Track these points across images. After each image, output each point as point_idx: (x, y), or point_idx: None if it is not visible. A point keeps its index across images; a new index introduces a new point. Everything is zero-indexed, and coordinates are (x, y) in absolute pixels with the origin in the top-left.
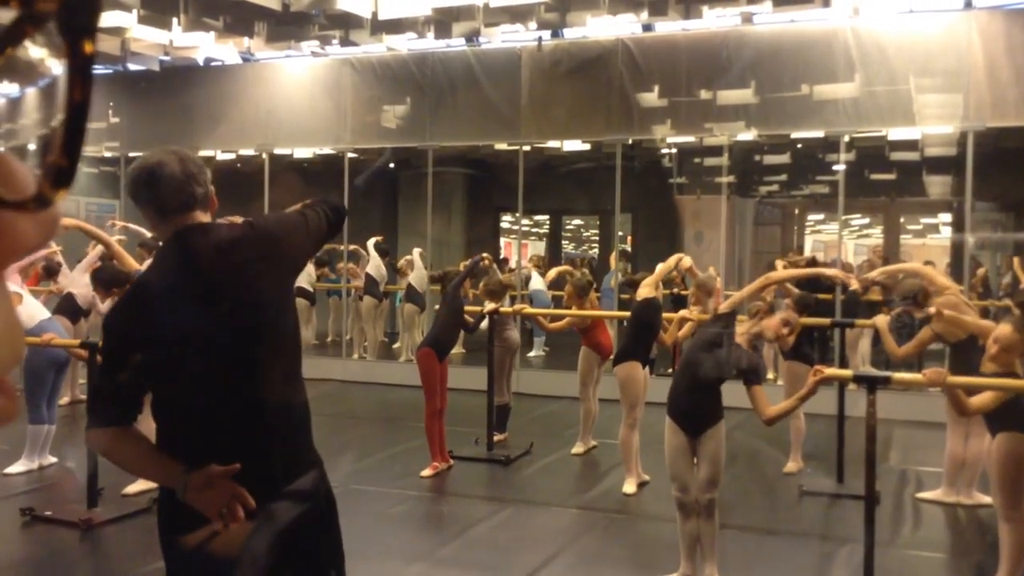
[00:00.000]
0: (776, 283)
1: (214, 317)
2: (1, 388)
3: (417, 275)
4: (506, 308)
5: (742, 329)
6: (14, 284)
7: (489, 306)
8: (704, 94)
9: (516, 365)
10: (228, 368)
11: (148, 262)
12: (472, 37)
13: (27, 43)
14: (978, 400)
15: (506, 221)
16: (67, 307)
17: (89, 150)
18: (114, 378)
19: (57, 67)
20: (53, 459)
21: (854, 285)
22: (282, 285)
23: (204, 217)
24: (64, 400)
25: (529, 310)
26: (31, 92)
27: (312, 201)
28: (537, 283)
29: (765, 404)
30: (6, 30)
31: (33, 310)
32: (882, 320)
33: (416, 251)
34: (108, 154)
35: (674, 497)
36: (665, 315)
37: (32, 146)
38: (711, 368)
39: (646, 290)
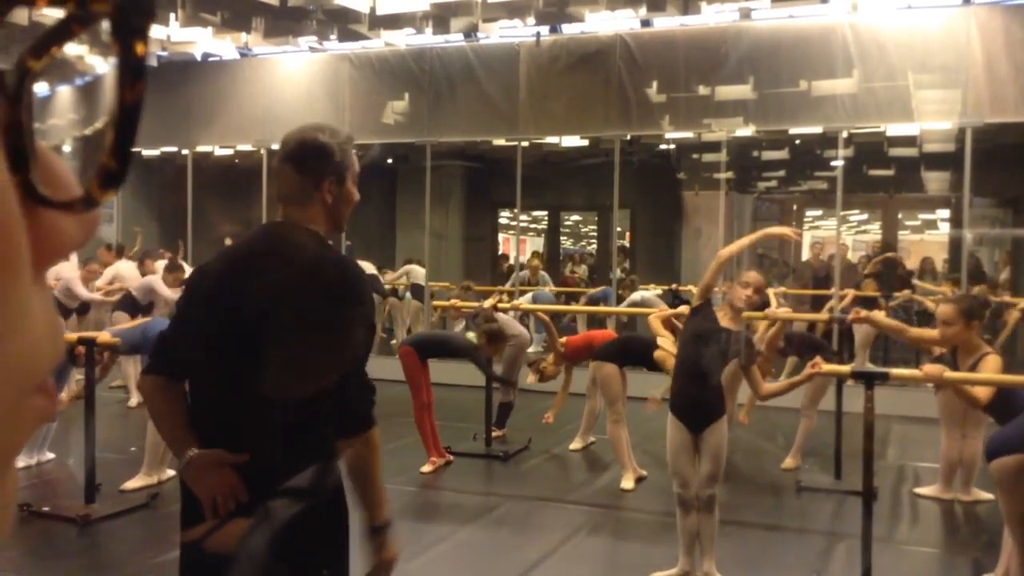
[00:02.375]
0: (728, 258)
1: (261, 317)
2: (43, 389)
3: (416, 274)
4: (504, 304)
5: (721, 313)
6: None
7: (489, 301)
8: (702, 90)
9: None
10: (244, 360)
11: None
12: (470, 32)
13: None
14: (983, 390)
15: (504, 216)
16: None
17: None
18: (178, 329)
19: (100, 65)
20: (51, 455)
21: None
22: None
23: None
24: (62, 395)
25: (526, 306)
26: (63, 91)
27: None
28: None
29: (760, 382)
30: (53, 29)
31: None
32: (880, 314)
33: (413, 266)
34: None
35: (675, 492)
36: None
37: (67, 147)
38: (710, 358)
39: (665, 343)
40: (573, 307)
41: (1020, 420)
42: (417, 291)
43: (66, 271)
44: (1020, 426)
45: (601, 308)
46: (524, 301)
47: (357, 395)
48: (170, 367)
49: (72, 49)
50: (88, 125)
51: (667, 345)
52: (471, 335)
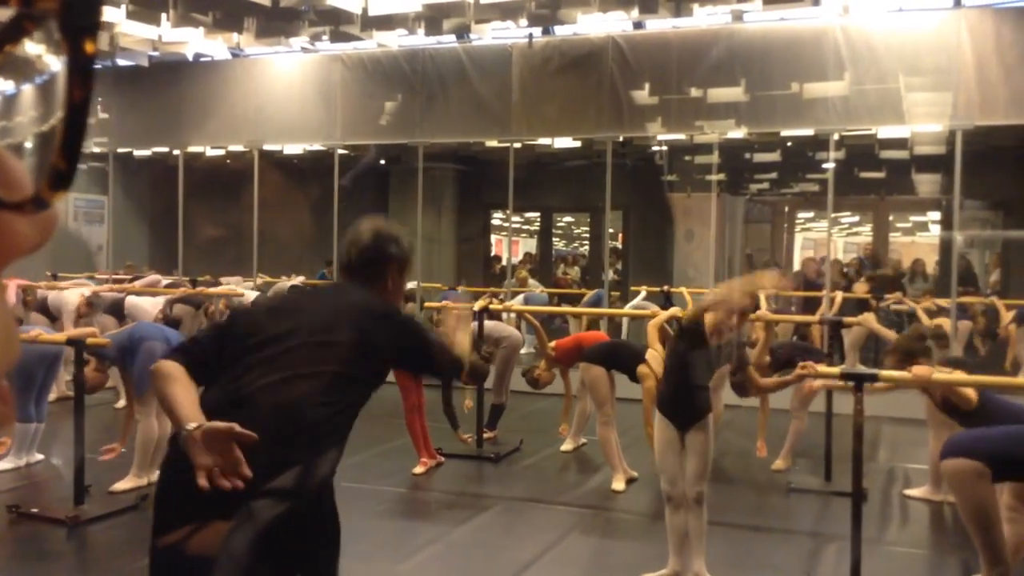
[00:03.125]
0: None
1: (284, 332)
2: None
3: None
4: (496, 305)
5: (711, 317)
6: None
7: (480, 303)
8: (694, 92)
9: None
10: (264, 375)
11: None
12: (463, 33)
13: (25, 40)
14: (972, 390)
15: (497, 218)
16: (40, 307)
17: None
18: (208, 335)
19: (55, 64)
20: (40, 456)
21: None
22: (350, 359)
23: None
24: (51, 397)
25: (517, 307)
26: (27, 89)
27: (451, 354)
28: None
29: (757, 378)
30: (5, 27)
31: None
32: (871, 316)
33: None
34: (97, 150)
35: (663, 491)
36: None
37: (29, 144)
38: (699, 368)
39: (653, 359)
40: (566, 308)
41: (982, 429)
42: (409, 294)
43: (71, 295)
44: (977, 433)
45: (595, 310)
46: (516, 302)
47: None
48: (193, 364)
49: (31, 48)
50: (46, 121)
51: (654, 363)
52: None
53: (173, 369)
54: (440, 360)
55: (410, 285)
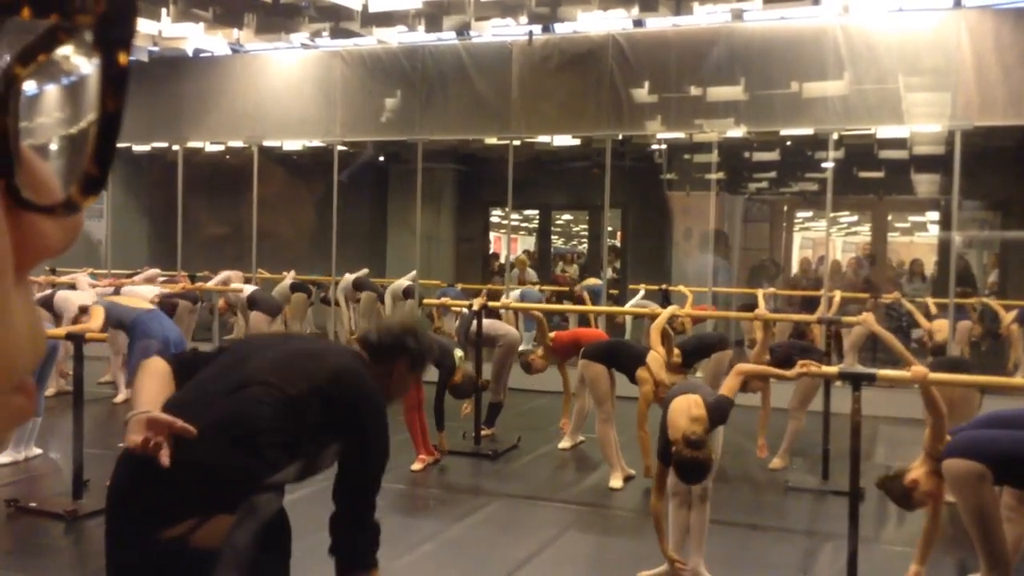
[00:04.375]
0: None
1: (251, 365)
2: (23, 388)
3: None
4: (494, 303)
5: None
6: None
7: (478, 301)
8: (694, 90)
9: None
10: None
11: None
12: (463, 31)
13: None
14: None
15: (496, 216)
16: (44, 303)
17: None
18: (207, 352)
19: (84, 66)
20: (38, 451)
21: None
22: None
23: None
24: (50, 391)
25: (515, 304)
26: (51, 89)
27: (370, 521)
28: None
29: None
30: (39, 38)
31: None
32: (871, 316)
33: (400, 282)
34: None
35: (670, 486)
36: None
37: (54, 146)
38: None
39: (654, 362)
40: (567, 306)
41: (984, 431)
42: (408, 291)
43: (78, 301)
44: (980, 434)
45: (596, 308)
46: (512, 299)
47: (356, 532)
48: (181, 366)
49: (59, 49)
50: (74, 124)
51: (655, 366)
52: (459, 353)
53: (158, 366)
54: (367, 471)
55: (408, 282)
